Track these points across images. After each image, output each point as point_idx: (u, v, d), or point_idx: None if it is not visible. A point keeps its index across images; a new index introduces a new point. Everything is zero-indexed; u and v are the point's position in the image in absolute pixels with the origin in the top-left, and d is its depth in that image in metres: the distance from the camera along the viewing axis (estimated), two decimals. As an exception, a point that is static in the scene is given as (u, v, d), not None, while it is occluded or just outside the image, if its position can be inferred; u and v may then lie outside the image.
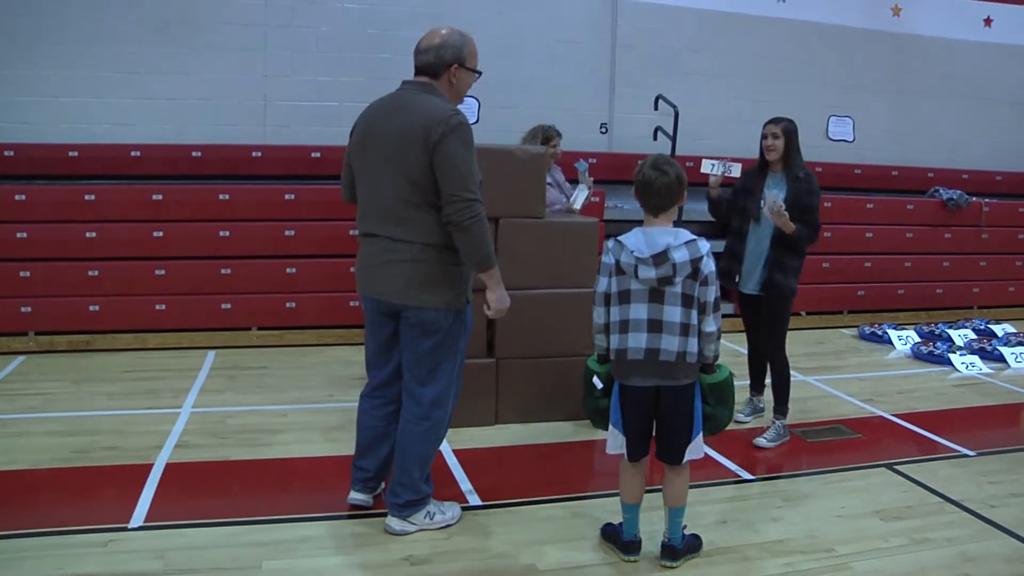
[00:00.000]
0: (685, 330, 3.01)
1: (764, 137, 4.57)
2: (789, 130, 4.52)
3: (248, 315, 6.44)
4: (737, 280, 4.67)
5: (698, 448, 3.16)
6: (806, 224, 4.42)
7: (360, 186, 3.29)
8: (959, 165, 9.45)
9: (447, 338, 3.25)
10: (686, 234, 3.03)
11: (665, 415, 3.12)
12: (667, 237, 3.00)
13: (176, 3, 7.03)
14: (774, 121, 4.56)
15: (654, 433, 3.20)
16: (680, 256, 2.97)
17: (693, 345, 3.03)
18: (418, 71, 3.24)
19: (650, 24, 8.32)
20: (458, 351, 3.34)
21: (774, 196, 4.37)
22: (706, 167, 4.64)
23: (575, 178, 5.83)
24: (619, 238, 3.09)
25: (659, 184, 3.02)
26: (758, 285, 4.57)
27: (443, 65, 3.18)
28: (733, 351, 6.36)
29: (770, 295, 4.57)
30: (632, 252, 3.00)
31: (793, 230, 4.37)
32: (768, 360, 4.74)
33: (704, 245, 3.01)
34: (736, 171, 4.60)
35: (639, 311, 3.02)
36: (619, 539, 3.27)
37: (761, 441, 4.55)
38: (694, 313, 3.03)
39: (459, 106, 3.24)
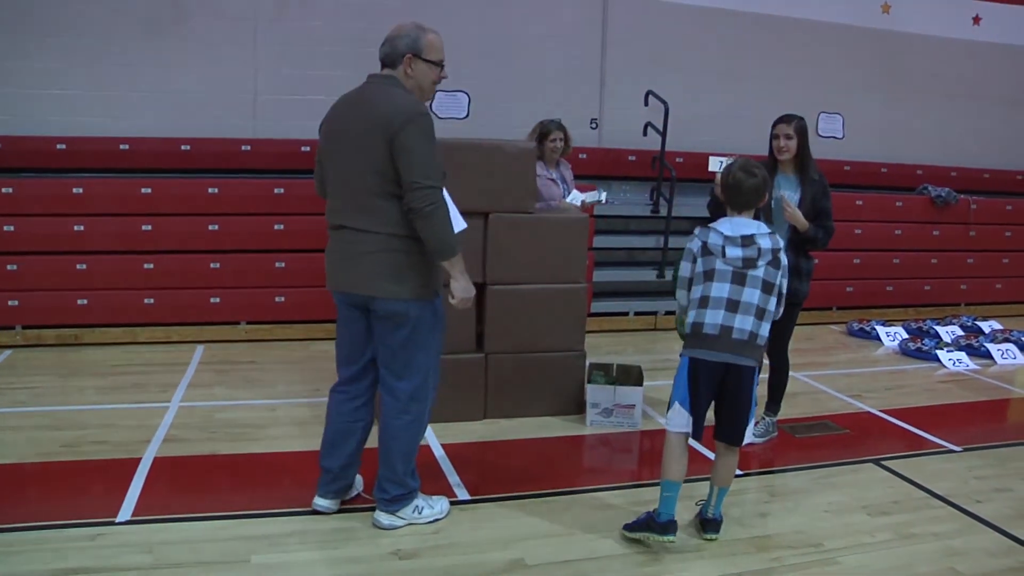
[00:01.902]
0: (760, 313, 3.20)
1: (776, 136, 4.32)
2: (802, 128, 4.30)
3: (237, 309, 6.43)
4: None
5: (749, 431, 3.38)
6: (823, 228, 4.31)
7: (328, 180, 3.32)
8: (948, 162, 9.50)
9: (418, 330, 3.25)
10: (766, 227, 3.29)
11: (728, 395, 3.28)
12: (752, 227, 3.26)
13: (165, -4, 7.01)
14: (786, 120, 4.31)
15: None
16: (764, 243, 3.22)
17: (765, 329, 3.23)
18: (381, 64, 3.28)
19: (640, 19, 8.32)
20: (431, 344, 3.33)
21: (785, 196, 4.25)
22: (713, 165, 4.46)
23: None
24: (707, 225, 3.31)
25: (748, 185, 3.26)
26: None
27: (397, 55, 3.20)
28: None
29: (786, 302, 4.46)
30: (721, 232, 3.22)
31: (807, 227, 4.25)
32: (770, 360, 4.61)
33: (781, 240, 3.28)
34: None
35: (721, 289, 3.20)
36: (654, 522, 3.23)
37: (749, 436, 4.55)
38: (772, 300, 3.24)
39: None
